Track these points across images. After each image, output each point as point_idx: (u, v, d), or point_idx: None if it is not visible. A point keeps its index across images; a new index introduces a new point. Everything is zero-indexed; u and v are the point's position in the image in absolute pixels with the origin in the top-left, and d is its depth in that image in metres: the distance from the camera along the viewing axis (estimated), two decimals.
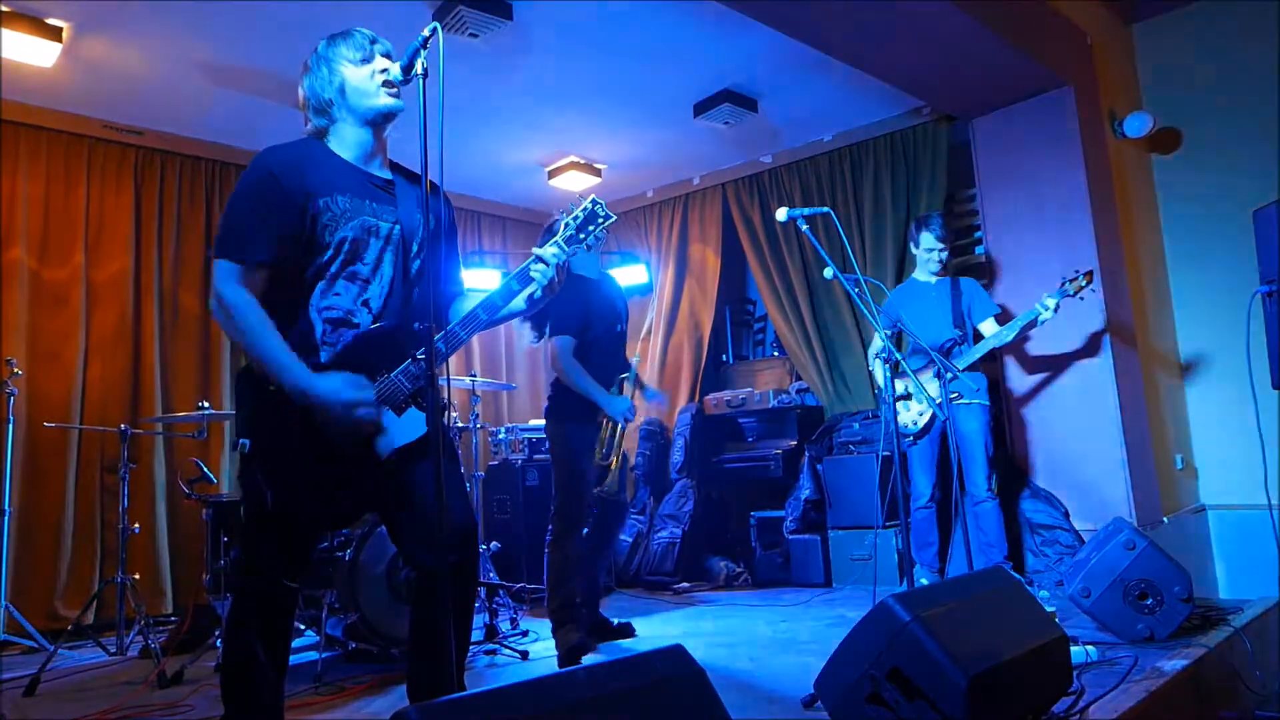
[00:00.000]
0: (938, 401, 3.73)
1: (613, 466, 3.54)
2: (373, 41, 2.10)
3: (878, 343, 4.36)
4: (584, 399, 3.52)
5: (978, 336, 4.24)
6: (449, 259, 2.23)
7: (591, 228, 2.10)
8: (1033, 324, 4.02)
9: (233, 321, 1.92)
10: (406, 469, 2.00)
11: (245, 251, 1.94)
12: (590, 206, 2.11)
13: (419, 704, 1.26)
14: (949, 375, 3.65)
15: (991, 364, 4.82)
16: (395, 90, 2.07)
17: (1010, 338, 4.08)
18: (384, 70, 2.06)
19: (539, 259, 2.05)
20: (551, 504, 3.60)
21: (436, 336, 2.00)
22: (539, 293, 2.07)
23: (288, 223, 1.95)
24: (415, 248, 2.08)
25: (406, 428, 1.99)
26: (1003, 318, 4.27)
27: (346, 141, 2.08)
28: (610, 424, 3.56)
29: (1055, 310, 3.94)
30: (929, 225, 4.36)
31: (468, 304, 2.15)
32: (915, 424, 4.19)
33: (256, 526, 2.02)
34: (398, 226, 2.06)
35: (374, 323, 2.03)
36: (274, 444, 1.94)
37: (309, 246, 1.97)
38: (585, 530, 3.63)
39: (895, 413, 3.17)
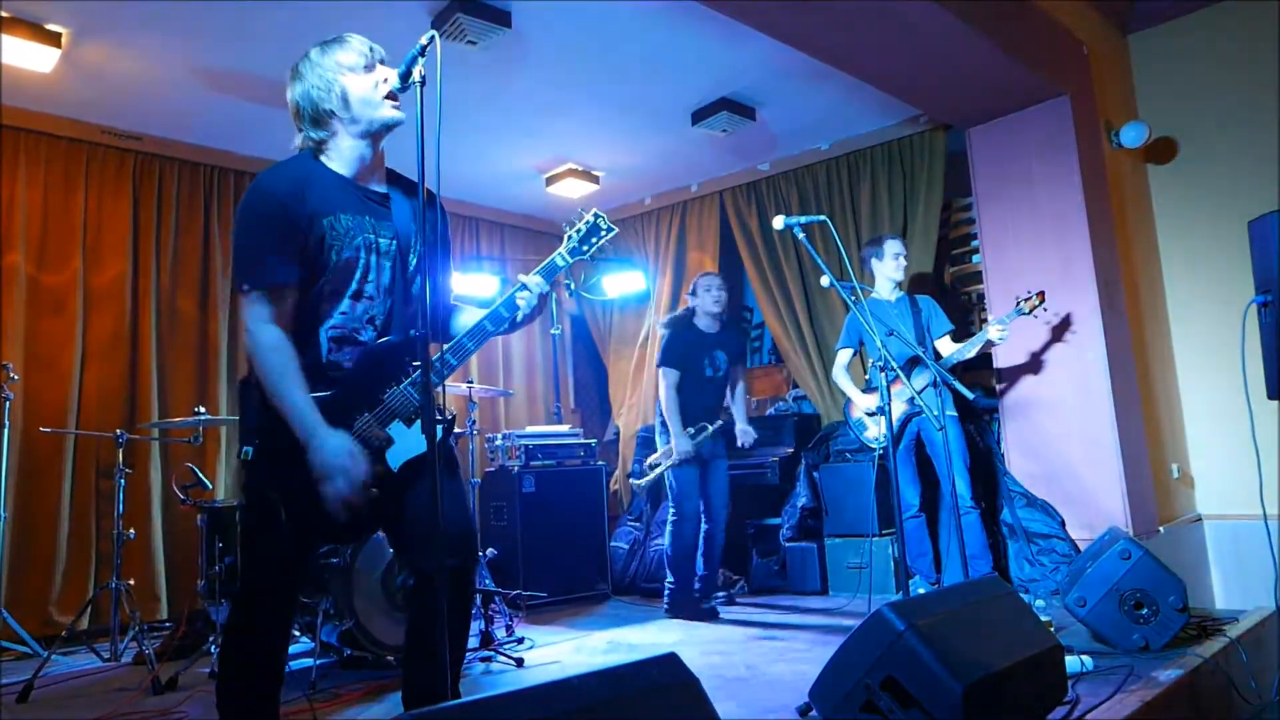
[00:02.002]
0: (933, 412, 3.75)
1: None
2: (370, 49, 2.07)
3: (843, 358, 4.49)
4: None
5: (935, 354, 4.37)
6: (443, 272, 2.23)
7: (594, 239, 2.17)
8: (988, 344, 4.21)
9: (258, 357, 1.92)
10: (409, 482, 2.00)
11: (273, 277, 1.92)
12: (593, 220, 2.17)
13: (415, 711, 1.26)
14: (939, 384, 3.74)
15: (986, 373, 4.84)
16: (398, 102, 2.05)
17: (969, 354, 4.25)
18: (385, 80, 2.04)
19: (524, 286, 2.09)
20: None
21: (445, 349, 2.03)
22: (521, 318, 2.12)
23: (300, 244, 1.94)
24: (412, 259, 2.09)
25: (418, 439, 1.99)
26: (960, 335, 4.45)
27: (345, 155, 2.05)
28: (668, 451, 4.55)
29: (1006, 329, 4.14)
30: (888, 236, 4.59)
31: (458, 320, 2.17)
32: (886, 437, 4.25)
33: (260, 534, 2.01)
34: (395, 241, 2.06)
35: (378, 338, 2.03)
36: (289, 453, 1.92)
37: (314, 268, 1.96)
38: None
39: (890, 419, 3.17)
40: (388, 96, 2.03)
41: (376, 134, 2.07)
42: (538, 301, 2.10)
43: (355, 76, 2.03)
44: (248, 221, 1.97)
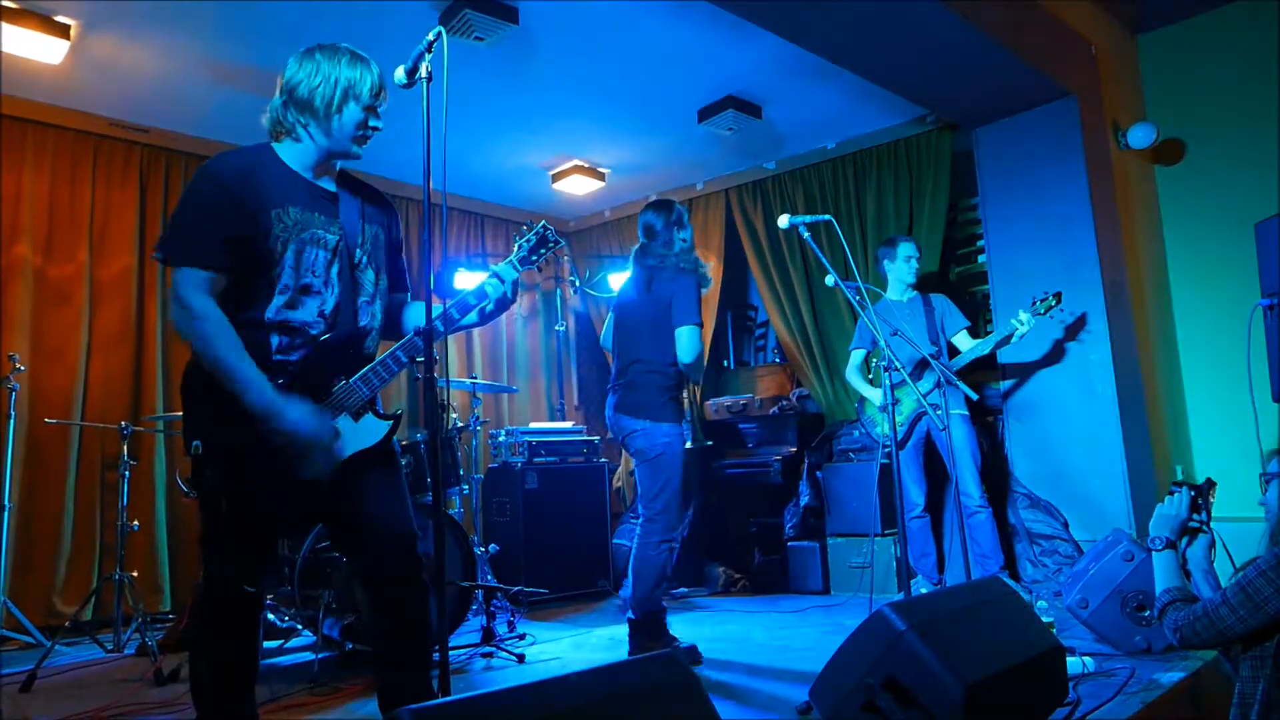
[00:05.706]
0: (937, 410, 3.75)
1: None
2: (380, 92, 2.08)
3: (855, 359, 4.48)
4: None
5: (952, 350, 4.34)
6: (394, 268, 2.25)
7: (543, 251, 2.24)
8: (1008, 339, 4.15)
9: (195, 330, 1.89)
10: (353, 479, 2.02)
11: (203, 257, 1.92)
12: (541, 231, 2.24)
13: (415, 706, 1.26)
14: (944, 384, 3.74)
15: (992, 373, 4.83)
16: (366, 144, 2.10)
17: (985, 350, 4.21)
18: (370, 126, 2.07)
19: (495, 275, 2.14)
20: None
21: (395, 346, 2.07)
22: (490, 307, 2.16)
23: (240, 231, 1.94)
24: (360, 257, 2.10)
25: (362, 434, 2.04)
26: (974, 331, 4.41)
27: (304, 153, 2.07)
28: None
29: (1028, 326, 4.08)
30: (902, 238, 4.57)
31: (408, 315, 2.23)
32: (890, 438, 4.25)
33: (213, 532, 2.00)
34: (342, 239, 2.07)
35: (325, 332, 2.03)
36: (228, 444, 1.93)
37: (260, 258, 1.96)
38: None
39: (894, 419, 3.17)
40: (361, 138, 2.07)
41: (335, 156, 2.10)
42: (506, 289, 2.14)
43: (354, 106, 2.04)
44: (192, 200, 1.98)
